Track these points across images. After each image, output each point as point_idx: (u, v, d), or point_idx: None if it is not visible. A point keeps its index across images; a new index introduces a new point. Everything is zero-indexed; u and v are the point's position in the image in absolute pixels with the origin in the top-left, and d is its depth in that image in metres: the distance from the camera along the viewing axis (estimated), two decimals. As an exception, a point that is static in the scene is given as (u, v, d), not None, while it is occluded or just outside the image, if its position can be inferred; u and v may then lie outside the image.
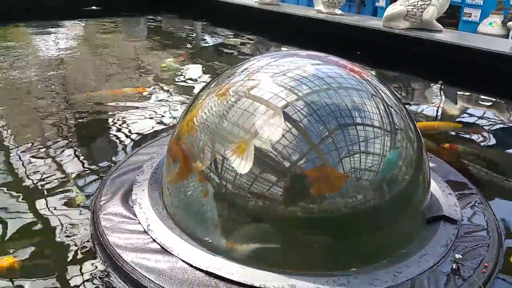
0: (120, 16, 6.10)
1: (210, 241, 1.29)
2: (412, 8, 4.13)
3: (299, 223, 1.26)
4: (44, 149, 2.11)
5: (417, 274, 1.21)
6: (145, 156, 1.83)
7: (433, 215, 1.48)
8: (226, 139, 1.32)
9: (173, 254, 1.25)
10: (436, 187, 1.67)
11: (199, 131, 1.40)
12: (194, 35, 5.70)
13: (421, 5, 4.10)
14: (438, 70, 3.81)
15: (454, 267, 1.25)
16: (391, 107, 1.50)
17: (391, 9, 4.24)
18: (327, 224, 1.28)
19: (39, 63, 3.78)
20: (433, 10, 4.08)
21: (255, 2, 5.59)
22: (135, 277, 1.19)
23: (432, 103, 3.34)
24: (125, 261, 1.24)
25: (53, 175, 1.87)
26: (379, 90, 1.52)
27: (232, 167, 1.26)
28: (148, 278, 1.18)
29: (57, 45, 4.51)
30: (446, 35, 4.06)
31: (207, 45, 5.09)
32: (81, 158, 2.06)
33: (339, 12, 4.96)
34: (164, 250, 1.27)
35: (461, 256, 1.27)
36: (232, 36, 5.43)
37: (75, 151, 2.12)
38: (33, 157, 2.03)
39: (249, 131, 1.28)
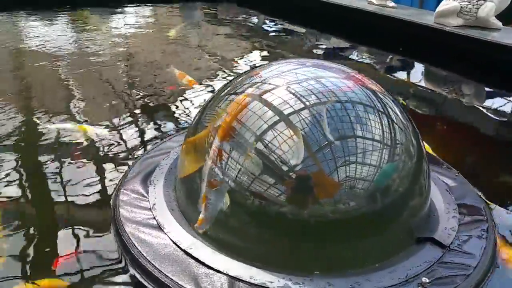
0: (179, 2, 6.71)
1: (196, 225, 1.47)
2: (467, 4, 3.81)
3: (280, 222, 1.37)
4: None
5: (374, 289, 1.25)
6: (176, 143, 2.06)
7: (423, 235, 1.47)
8: (229, 140, 1.47)
9: (164, 231, 1.46)
10: (441, 207, 1.63)
11: (209, 130, 1.57)
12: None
13: (477, 1, 3.74)
14: (492, 73, 3.54)
15: (420, 290, 1.26)
16: (394, 121, 1.51)
17: (444, 5, 3.97)
18: (305, 226, 1.36)
19: (108, 44, 4.40)
20: (490, 6, 3.72)
21: None
22: (128, 245, 1.42)
23: (484, 106, 3.14)
24: (125, 230, 1.47)
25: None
26: (384, 103, 1.54)
27: (230, 164, 1.41)
28: (137, 248, 1.40)
29: (120, 28, 5.19)
30: (505, 35, 3.66)
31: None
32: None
33: (391, 4, 4.75)
34: (158, 227, 1.49)
35: (427, 280, 1.27)
36: (274, 24, 5.63)
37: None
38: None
39: (252, 134, 1.40)
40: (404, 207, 1.47)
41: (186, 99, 3.02)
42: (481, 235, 1.51)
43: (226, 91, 1.61)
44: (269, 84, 1.52)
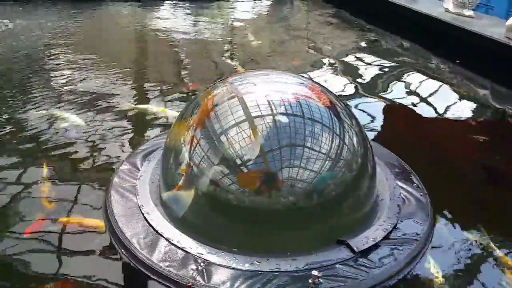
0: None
1: (162, 197, 1.84)
2: None
3: (220, 204, 1.65)
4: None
5: (268, 270, 1.48)
6: (185, 130, 2.44)
7: (343, 238, 1.63)
8: (198, 131, 1.80)
9: (136, 197, 1.86)
10: (380, 219, 1.75)
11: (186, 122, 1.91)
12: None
13: None
14: None
15: (310, 281, 1.46)
16: (343, 139, 1.72)
17: None
18: (239, 210, 1.63)
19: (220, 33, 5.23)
20: None
21: None
22: (106, 202, 1.85)
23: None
24: (110, 192, 1.90)
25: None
26: (340, 121, 1.75)
27: (197, 155, 1.74)
28: (111, 206, 1.81)
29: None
30: None
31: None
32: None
33: (468, 13, 4.44)
34: (134, 193, 1.89)
35: (316, 273, 1.46)
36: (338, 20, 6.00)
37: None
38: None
39: (217, 129, 1.72)
40: (331, 211, 1.65)
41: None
42: (399, 252, 1.61)
43: (204, 94, 1.94)
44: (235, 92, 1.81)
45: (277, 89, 1.82)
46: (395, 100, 3.46)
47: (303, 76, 1.98)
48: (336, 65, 4.32)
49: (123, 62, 4.04)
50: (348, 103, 3.41)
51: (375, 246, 1.62)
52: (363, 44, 5.13)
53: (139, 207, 1.79)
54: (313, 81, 1.99)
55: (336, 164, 1.67)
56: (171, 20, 5.72)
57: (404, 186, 2.00)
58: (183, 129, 1.83)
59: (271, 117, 1.69)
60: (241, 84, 1.90)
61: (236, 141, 1.65)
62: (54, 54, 4.08)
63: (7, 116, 2.80)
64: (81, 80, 3.45)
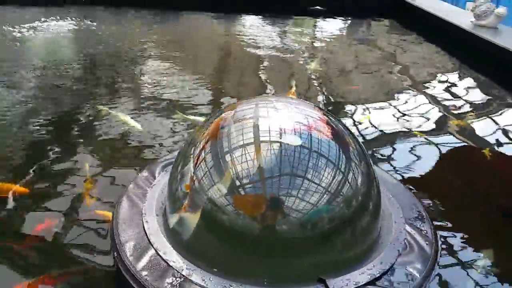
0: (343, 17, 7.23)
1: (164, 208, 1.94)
2: None
3: (210, 224, 1.72)
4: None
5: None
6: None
7: (325, 277, 1.59)
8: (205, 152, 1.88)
9: (143, 203, 1.99)
10: (372, 262, 1.69)
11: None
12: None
13: None
14: None
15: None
16: (344, 174, 1.69)
17: None
18: (234, 236, 1.67)
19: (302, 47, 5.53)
20: None
21: (471, 21, 5.44)
22: (115, 206, 2.00)
23: None
24: (122, 197, 2.05)
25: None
26: (344, 156, 1.73)
27: (197, 176, 1.81)
28: (119, 210, 1.95)
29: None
30: None
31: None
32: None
33: None
34: (142, 201, 2.02)
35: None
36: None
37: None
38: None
39: (222, 152, 1.79)
40: (319, 247, 1.63)
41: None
42: (383, 294, 1.54)
43: (216, 115, 2.01)
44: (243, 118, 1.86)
45: (288, 118, 1.82)
46: (466, 137, 3.29)
47: (323, 109, 1.97)
48: (409, 91, 4.27)
49: (199, 71, 4.38)
50: (409, 131, 3.32)
51: (358, 291, 1.57)
52: (438, 73, 4.95)
53: (142, 215, 1.91)
54: (331, 116, 1.95)
55: (332, 200, 1.64)
56: (249, 34, 5.97)
57: (412, 232, 1.89)
58: (190, 145, 1.93)
59: (272, 144, 1.71)
60: (256, 108, 1.94)
61: (236, 164, 1.70)
62: (136, 58, 4.50)
63: (79, 110, 3.17)
64: (155, 86, 3.76)
